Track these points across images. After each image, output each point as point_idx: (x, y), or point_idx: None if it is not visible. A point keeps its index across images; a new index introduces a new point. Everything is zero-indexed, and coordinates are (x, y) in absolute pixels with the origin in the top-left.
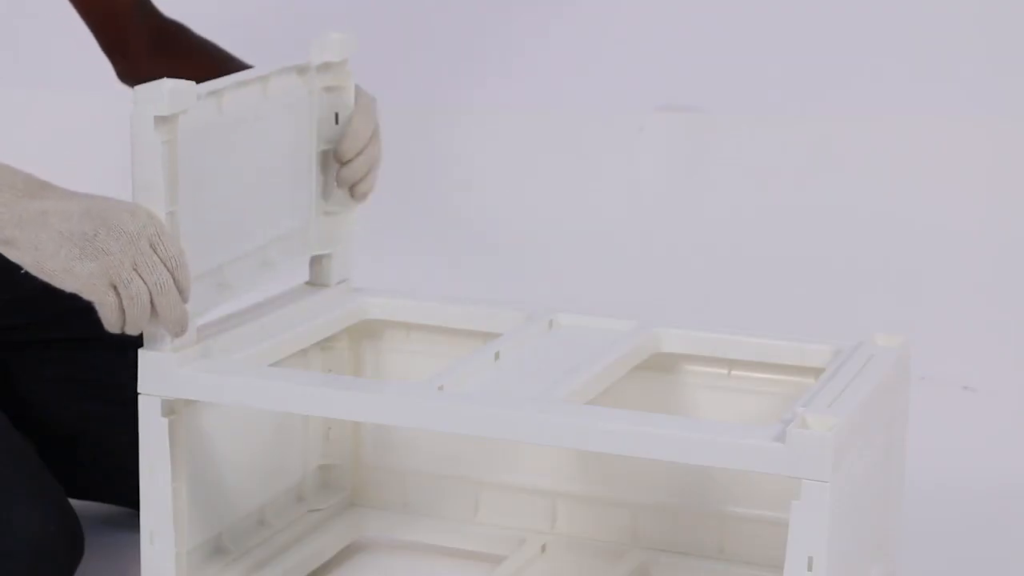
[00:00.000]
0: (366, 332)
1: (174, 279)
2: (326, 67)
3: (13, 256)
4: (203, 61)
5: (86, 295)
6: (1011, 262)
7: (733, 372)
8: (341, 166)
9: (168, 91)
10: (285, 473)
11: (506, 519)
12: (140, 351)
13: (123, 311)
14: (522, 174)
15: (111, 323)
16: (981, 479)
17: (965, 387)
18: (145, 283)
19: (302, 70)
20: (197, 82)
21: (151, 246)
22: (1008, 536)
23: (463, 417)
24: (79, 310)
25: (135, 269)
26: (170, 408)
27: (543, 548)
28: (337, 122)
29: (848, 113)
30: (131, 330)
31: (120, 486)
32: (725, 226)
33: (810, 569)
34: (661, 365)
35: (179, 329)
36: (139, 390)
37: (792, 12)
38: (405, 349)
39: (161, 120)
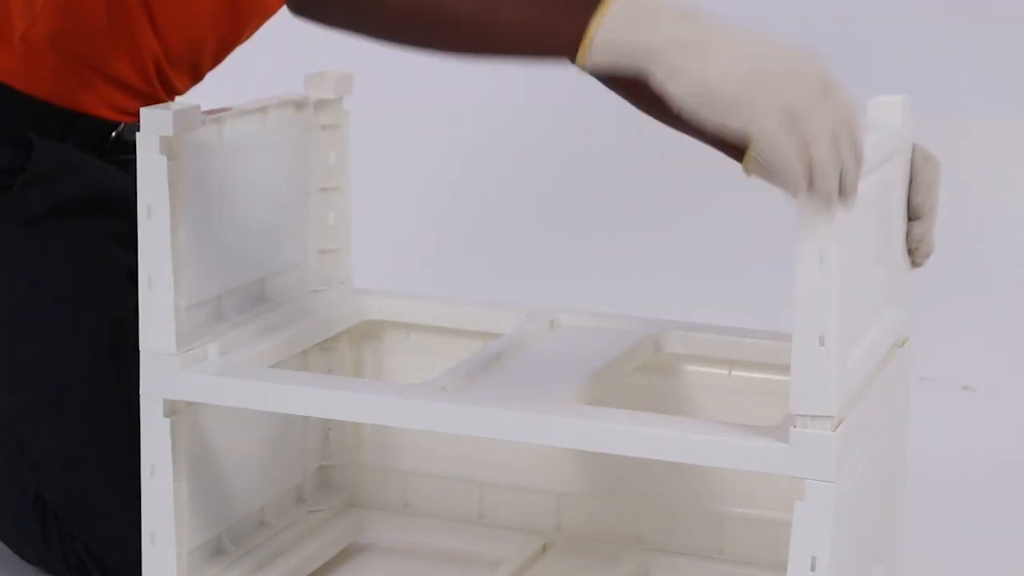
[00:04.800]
0: (366, 333)
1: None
2: (322, 104)
3: (670, 87)
4: None
5: (751, 126)
6: (1011, 262)
7: (734, 372)
8: (912, 221)
9: (174, 112)
10: (285, 474)
11: (506, 519)
12: (142, 351)
13: (806, 160)
14: (523, 173)
15: (792, 169)
16: (981, 479)
17: (965, 387)
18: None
19: (299, 105)
20: None
21: (822, 94)
22: (1009, 535)
23: (466, 418)
24: None
25: (810, 112)
26: (171, 409)
27: (544, 548)
28: (332, 161)
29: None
30: (820, 185)
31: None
32: (726, 225)
33: (813, 569)
34: (662, 365)
35: (851, 199)
36: (141, 391)
37: (791, 11)
38: (406, 350)
39: (167, 141)
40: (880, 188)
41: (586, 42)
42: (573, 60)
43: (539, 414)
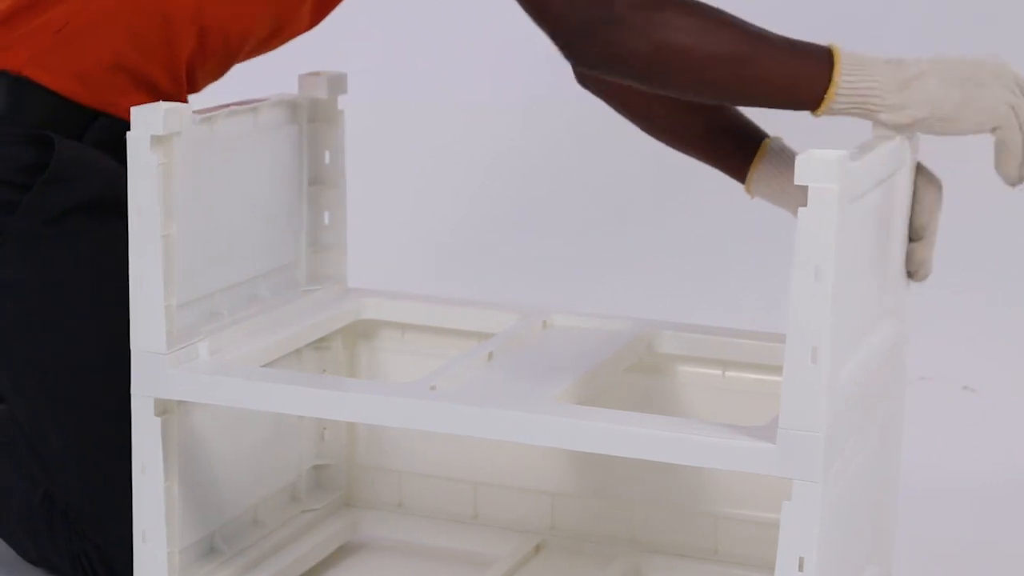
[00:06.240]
0: (360, 332)
1: None
2: (316, 104)
3: (899, 119)
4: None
5: (986, 122)
6: (1011, 262)
7: (727, 373)
8: (914, 242)
9: (164, 112)
10: (279, 473)
11: (500, 519)
12: (132, 350)
13: (1022, 132)
14: (517, 174)
15: (1012, 143)
16: (980, 479)
17: (965, 387)
18: None
19: (292, 105)
20: (677, 116)
21: (1018, 84)
22: (1007, 536)
23: (455, 417)
24: None
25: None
26: (163, 408)
27: (537, 548)
28: (326, 160)
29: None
30: None
31: None
32: (720, 226)
33: (801, 569)
34: (655, 365)
35: None
36: (132, 390)
37: (791, 12)
38: (399, 349)
39: (157, 141)
40: (881, 203)
41: (831, 92)
42: (814, 107)
43: (530, 414)
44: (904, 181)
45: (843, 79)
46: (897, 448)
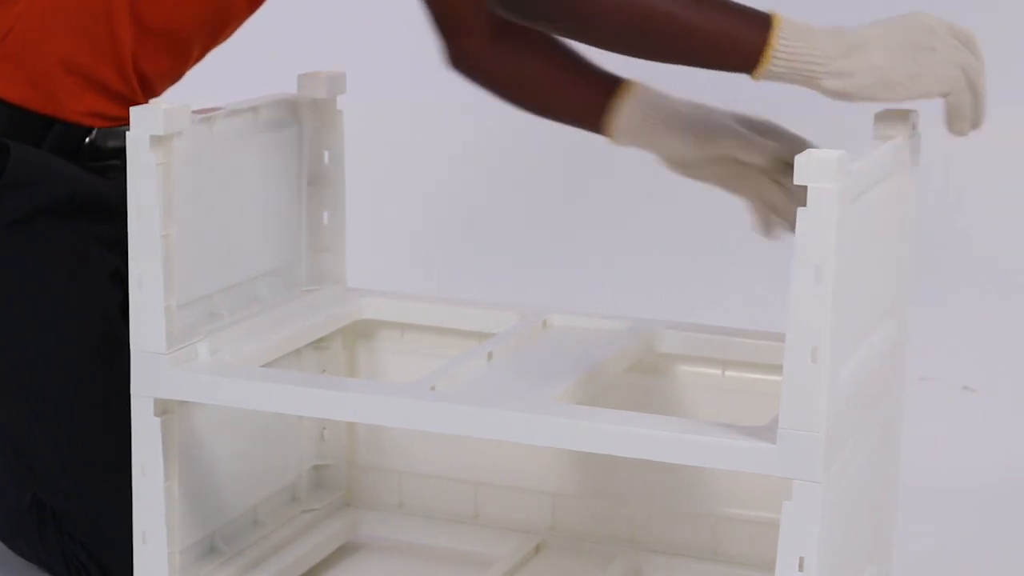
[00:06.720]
0: (360, 332)
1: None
2: (315, 104)
3: (843, 85)
4: (553, 55)
5: (935, 90)
6: (1011, 262)
7: (727, 372)
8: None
9: (164, 112)
10: (279, 473)
11: (501, 519)
12: (132, 350)
13: (972, 91)
14: (517, 173)
15: (964, 105)
16: (980, 479)
17: (965, 387)
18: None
19: (292, 104)
20: (542, 78)
21: (956, 38)
22: (1007, 536)
23: (455, 417)
24: None
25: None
26: (163, 408)
27: (537, 548)
28: (326, 160)
29: (845, 110)
30: (979, 106)
31: None
32: (720, 225)
33: (801, 569)
34: (655, 365)
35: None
36: (132, 390)
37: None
38: (399, 349)
39: (157, 141)
40: (881, 202)
41: (767, 54)
42: (750, 70)
43: (530, 414)
44: (905, 178)
45: (781, 43)
46: (897, 448)
